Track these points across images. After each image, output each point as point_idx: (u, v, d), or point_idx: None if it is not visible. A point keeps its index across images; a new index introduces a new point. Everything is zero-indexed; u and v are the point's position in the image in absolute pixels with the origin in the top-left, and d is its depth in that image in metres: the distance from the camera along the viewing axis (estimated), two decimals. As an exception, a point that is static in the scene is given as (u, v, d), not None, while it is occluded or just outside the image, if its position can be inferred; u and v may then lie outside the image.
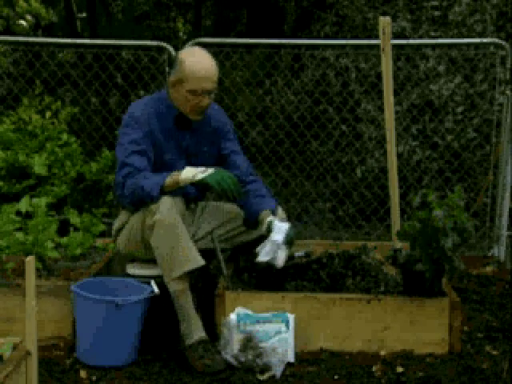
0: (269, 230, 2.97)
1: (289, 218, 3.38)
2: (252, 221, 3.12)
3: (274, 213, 3.08)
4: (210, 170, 2.87)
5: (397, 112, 5.05)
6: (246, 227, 3.19)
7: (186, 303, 2.86)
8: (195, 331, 2.84)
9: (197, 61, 2.97)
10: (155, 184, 2.88)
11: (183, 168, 2.95)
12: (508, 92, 4.33)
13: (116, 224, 3.20)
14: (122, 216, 3.17)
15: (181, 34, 10.29)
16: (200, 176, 2.86)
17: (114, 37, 6.69)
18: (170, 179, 2.90)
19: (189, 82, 2.96)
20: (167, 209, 2.84)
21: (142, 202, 2.94)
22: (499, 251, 4.43)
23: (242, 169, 3.18)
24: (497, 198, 4.49)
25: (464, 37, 5.46)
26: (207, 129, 3.17)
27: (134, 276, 3.04)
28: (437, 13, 5.66)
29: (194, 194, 3.18)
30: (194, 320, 2.86)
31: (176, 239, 2.82)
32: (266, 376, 2.73)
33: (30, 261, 2.18)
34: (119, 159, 3.01)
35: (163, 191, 2.89)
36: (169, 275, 2.85)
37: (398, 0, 5.85)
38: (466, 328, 3.24)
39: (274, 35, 6.30)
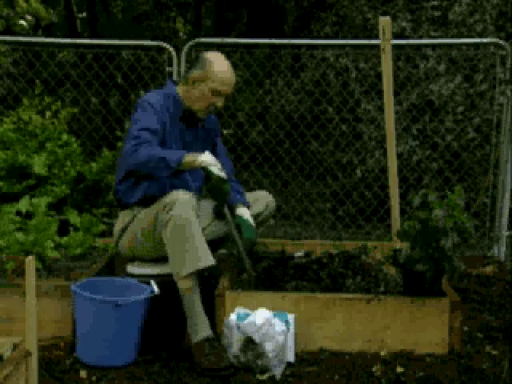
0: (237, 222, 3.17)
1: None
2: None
3: (248, 207, 3.30)
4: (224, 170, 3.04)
5: (397, 112, 5.05)
6: (216, 216, 3.25)
7: (194, 301, 2.87)
8: (202, 329, 2.85)
9: (225, 65, 3.17)
10: (176, 159, 2.91)
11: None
12: (508, 92, 4.33)
13: (117, 226, 3.20)
14: (124, 217, 3.17)
15: (181, 34, 10.28)
16: (215, 170, 2.96)
17: (114, 37, 6.68)
18: (190, 156, 2.95)
19: (214, 81, 3.12)
20: (183, 205, 2.87)
21: (153, 170, 2.93)
22: (499, 251, 4.43)
23: (227, 169, 3.29)
24: (497, 198, 4.49)
25: (464, 37, 5.45)
26: (202, 127, 3.32)
27: (133, 275, 3.04)
28: (437, 13, 5.65)
29: (195, 187, 3.20)
30: (201, 318, 2.87)
31: (189, 236, 2.85)
32: (265, 376, 2.73)
33: (30, 261, 2.19)
34: (131, 133, 3.00)
35: (177, 169, 2.93)
36: (179, 272, 2.86)
37: (397, 0, 5.85)
38: (465, 328, 3.24)
39: (274, 35, 6.30)
